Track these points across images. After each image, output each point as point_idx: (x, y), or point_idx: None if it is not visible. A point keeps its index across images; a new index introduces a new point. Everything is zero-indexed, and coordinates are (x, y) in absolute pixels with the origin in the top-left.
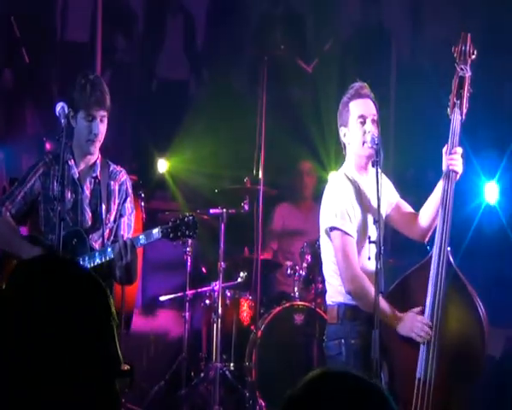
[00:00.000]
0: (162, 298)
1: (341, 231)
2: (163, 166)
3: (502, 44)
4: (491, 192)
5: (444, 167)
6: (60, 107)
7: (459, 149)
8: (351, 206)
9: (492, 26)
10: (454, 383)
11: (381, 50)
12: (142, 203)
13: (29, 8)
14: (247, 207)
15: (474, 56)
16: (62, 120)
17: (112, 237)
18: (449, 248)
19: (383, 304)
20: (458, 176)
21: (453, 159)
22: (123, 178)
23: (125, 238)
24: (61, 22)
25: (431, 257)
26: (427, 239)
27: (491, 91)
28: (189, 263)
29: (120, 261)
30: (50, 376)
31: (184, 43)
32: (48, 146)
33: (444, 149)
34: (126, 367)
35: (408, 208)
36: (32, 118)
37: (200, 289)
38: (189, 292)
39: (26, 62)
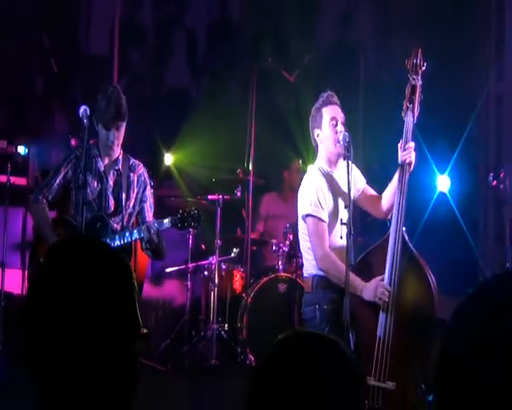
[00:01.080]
0: (168, 270)
1: (314, 217)
2: (169, 159)
3: (458, 53)
4: (443, 183)
5: (399, 160)
6: (82, 109)
7: (411, 144)
8: (322, 195)
9: (449, 38)
10: (409, 342)
11: (352, 64)
12: (152, 190)
13: (57, 25)
14: (239, 194)
15: (424, 68)
16: (85, 121)
17: (131, 221)
18: (404, 228)
19: (351, 275)
20: (411, 167)
21: (406, 153)
22: (141, 170)
23: (149, 219)
24: (85, 37)
25: (389, 235)
26: (389, 217)
27: (447, 97)
28: (190, 241)
29: (150, 243)
30: (87, 338)
31: (187, 56)
32: (73, 142)
33: (399, 145)
34: (145, 331)
35: (373, 192)
36: (59, 118)
37: (199, 263)
38: (191, 265)
39: (55, 72)
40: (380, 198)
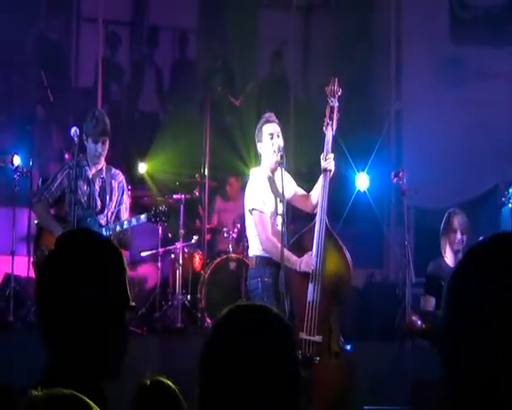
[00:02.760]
0: (143, 254)
1: (259, 210)
2: (143, 168)
3: (367, 78)
4: (362, 181)
5: (322, 167)
6: (73, 130)
7: (331, 155)
8: (264, 194)
9: (359, 66)
10: (331, 304)
11: (284, 89)
12: (129, 193)
13: (52, 63)
14: (197, 193)
15: (339, 93)
16: (75, 139)
17: (113, 218)
18: (326, 219)
19: (287, 253)
20: (332, 173)
21: (327, 162)
22: (120, 178)
23: (123, 218)
24: (74, 73)
25: (315, 222)
26: (315, 211)
27: (364, 106)
28: (160, 230)
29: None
30: (89, 309)
31: (156, 86)
32: (66, 156)
33: (321, 156)
34: (133, 303)
35: (302, 192)
36: (56, 138)
37: (167, 248)
38: (160, 250)
39: (51, 101)
40: (307, 197)
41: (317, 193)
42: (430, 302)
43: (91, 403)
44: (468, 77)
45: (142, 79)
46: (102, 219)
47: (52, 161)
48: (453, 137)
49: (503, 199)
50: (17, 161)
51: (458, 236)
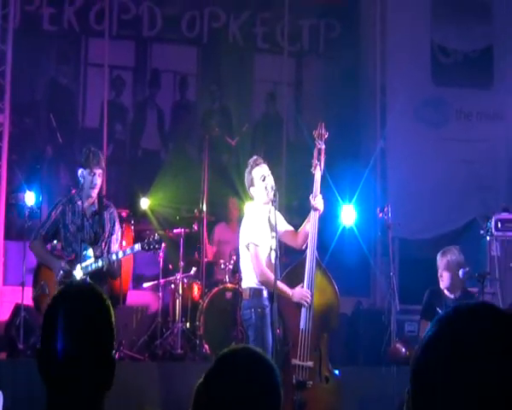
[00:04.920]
0: (145, 285)
1: (254, 245)
2: (145, 203)
3: (356, 116)
4: (347, 214)
5: (311, 207)
6: (80, 171)
7: (319, 196)
8: (260, 229)
9: (348, 109)
10: (322, 332)
11: (277, 130)
12: (133, 227)
13: (61, 106)
14: (196, 227)
15: (326, 136)
16: (81, 179)
17: (106, 248)
18: (316, 252)
19: (281, 285)
20: (320, 212)
21: (316, 202)
22: (111, 210)
23: (113, 249)
24: (81, 115)
25: (306, 256)
26: (303, 248)
27: (351, 144)
28: (161, 262)
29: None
30: (81, 350)
31: (158, 126)
32: (73, 191)
33: (310, 196)
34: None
35: (292, 230)
36: (63, 175)
37: (168, 279)
38: (162, 280)
39: (60, 141)
40: (297, 234)
41: (306, 230)
42: (427, 327)
43: None
44: (449, 117)
45: (144, 119)
46: (97, 251)
47: (61, 196)
48: (435, 173)
49: (481, 231)
50: (29, 198)
51: (441, 273)
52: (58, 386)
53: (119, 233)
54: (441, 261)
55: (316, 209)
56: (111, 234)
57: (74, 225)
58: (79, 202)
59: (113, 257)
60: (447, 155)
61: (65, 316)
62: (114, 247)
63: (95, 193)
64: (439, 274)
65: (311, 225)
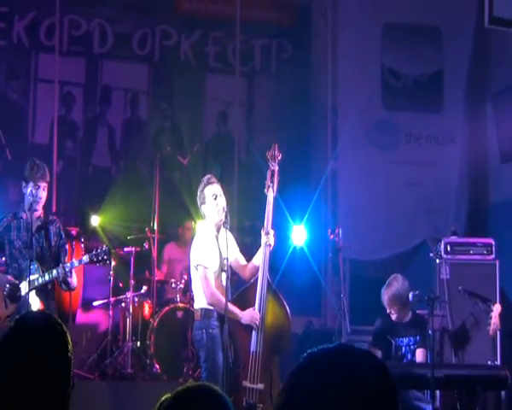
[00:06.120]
0: (95, 303)
1: (203, 266)
2: (96, 220)
3: (306, 140)
4: (298, 234)
5: (262, 242)
6: (24, 184)
7: (271, 232)
8: (210, 250)
9: (299, 129)
10: (273, 353)
11: (228, 149)
12: (82, 245)
13: (10, 122)
14: (147, 246)
15: (279, 157)
16: (25, 192)
17: (54, 262)
18: (268, 274)
19: (232, 307)
20: (272, 247)
21: (268, 237)
22: (58, 224)
23: (63, 263)
24: (31, 131)
25: (257, 279)
26: (252, 280)
27: (302, 165)
28: (111, 280)
29: (64, 279)
30: (35, 391)
31: (108, 143)
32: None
33: (262, 231)
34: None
35: (242, 261)
36: (12, 191)
37: (118, 297)
38: (112, 299)
39: (9, 158)
40: (246, 266)
41: (256, 265)
42: (377, 354)
43: None
44: (399, 140)
45: (95, 136)
46: (43, 265)
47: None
48: (385, 195)
49: (431, 254)
50: None
51: (387, 310)
52: None
53: (67, 246)
54: (385, 298)
55: (268, 245)
56: (59, 247)
57: (20, 240)
58: (24, 216)
59: (68, 266)
60: (397, 177)
61: (21, 351)
62: (65, 259)
63: (40, 207)
64: (387, 310)
65: (261, 260)
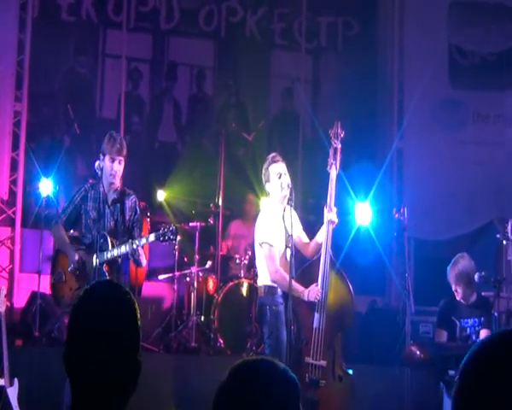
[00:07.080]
0: (160, 277)
1: (268, 244)
2: (161, 195)
3: (373, 115)
4: (363, 212)
5: (325, 219)
6: (97, 164)
7: (334, 209)
8: (275, 227)
9: (364, 106)
10: (335, 331)
11: (293, 126)
12: (148, 219)
13: (78, 97)
14: (212, 221)
15: (342, 135)
16: (98, 172)
17: (126, 237)
18: (331, 252)
19: (295, 284)
20: (335, 224)
21: (331, 215)
22: (133, 199)
23: (134, 238)
24: (99, 106)
25: (320, 255)
26: (314, 258)
27: (367, 142)
28: (176, 255)
29: (133, 254)
30: (109, 350)
31: (174, 119)
32: (90, 181)
33: (325, 208)
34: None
35: (305, 239)
36: (80, 165)
37: (183, 271)
38: (177, 273)
39: (77, 132)
40: (309, 244)
41: (319, 242)
42: (442, 335)
43: None
44: (466, 119)
45: (161, 111)
46: (116, 239)
47: (77, 187)
48: (451, 175)
49: (498, 235)
50: (46, 186)
51: (453, 287)
52: (84, 387)
53: (141, 222)
54: (451, 276)
55: (331, 222)
56: (132, 222)
57: (95, 211)
58: (101, 189)
59: (136, 243)
60: (464, 157)
61: (91, 319)
62: (136, 235)
63: (116, 180)
64: (452, 288)
65: (324, 238)
